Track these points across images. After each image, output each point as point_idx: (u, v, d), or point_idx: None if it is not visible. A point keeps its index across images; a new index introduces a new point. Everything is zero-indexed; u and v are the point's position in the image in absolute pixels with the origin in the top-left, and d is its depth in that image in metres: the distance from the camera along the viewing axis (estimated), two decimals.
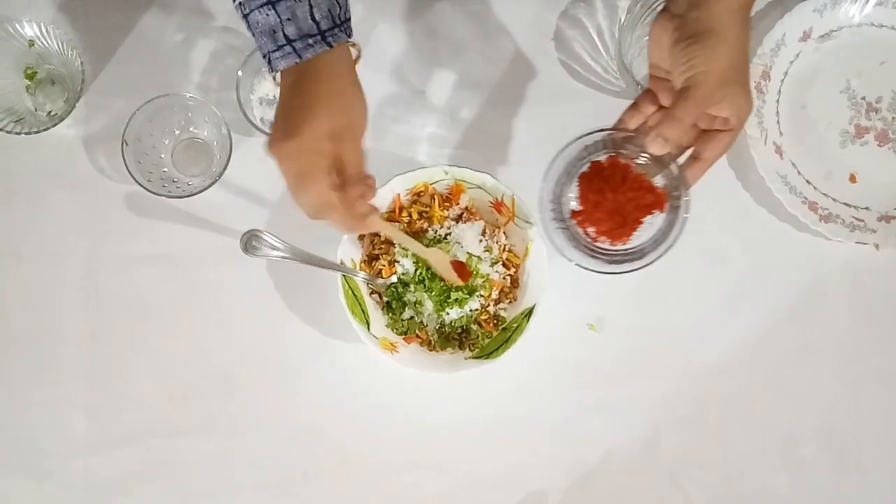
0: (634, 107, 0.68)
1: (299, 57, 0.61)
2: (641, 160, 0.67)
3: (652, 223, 0.68)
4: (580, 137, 0.67)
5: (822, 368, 0.85)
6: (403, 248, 0.77)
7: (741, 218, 0.86)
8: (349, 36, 0.64)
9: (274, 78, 0.67)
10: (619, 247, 0.68)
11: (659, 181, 0.67)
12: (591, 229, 0.67)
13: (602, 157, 0.67)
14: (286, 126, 0.61)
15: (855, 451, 0.84)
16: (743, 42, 0.62)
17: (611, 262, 0.68)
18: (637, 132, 0.67)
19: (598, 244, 0.68)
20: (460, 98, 0.86)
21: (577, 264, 0.68)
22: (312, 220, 0.65)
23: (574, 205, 0.68)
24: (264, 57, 0.63)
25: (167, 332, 0.82)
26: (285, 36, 0.61)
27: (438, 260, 0.76)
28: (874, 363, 0.85)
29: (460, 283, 0.75)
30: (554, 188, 0.67)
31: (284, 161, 0.62)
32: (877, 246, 0.83)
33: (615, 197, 0.66)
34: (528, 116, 0.86)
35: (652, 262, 0.68)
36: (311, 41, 0.61)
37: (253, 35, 0.63)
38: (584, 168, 0.67)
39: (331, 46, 0.61)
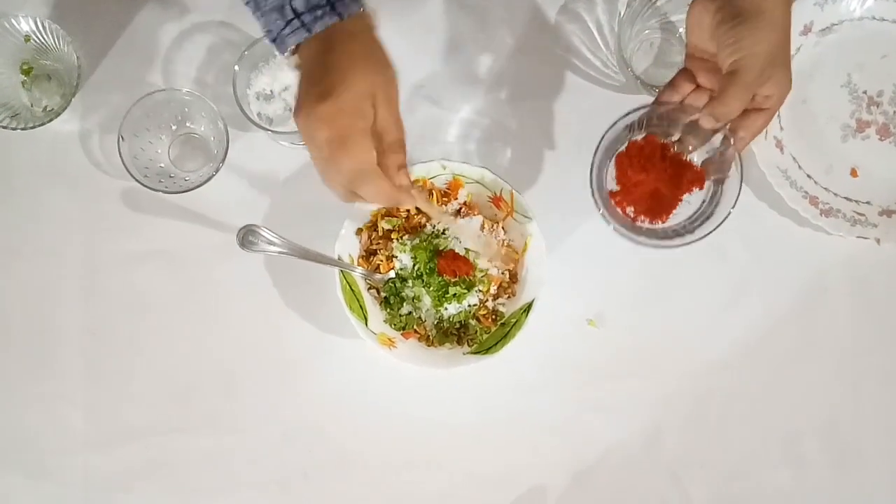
0: (672, 86, 0.67)
1: (308, 31, 0.59)
2: (680, 136, 0.67)
3: (690, 202, 0.68)
4: (625, 115, 0.66)
5: (823, 365, 0.84)
6: (402, 243, 0.77)
7: (742, 213, 0.84)
8: (362, 6, 0.61)
9: (290, 64, 0.64)
10: (660, 225, 0.68)
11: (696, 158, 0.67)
12: (629, 209, 0.67)
13: (639, 137, 0.67)
14: (319, 89, 0.58)
15: (856, 448, 0.83)
16: (787, 21, 0.62)
17: (658, 239, 0.69)
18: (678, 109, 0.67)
19: (637, 223, 0.68)
20: (459, 93, 0.85)
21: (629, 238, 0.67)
22: (343, 202, 0.61)
23: (612, 186, 0.68)
24: (274, 41, 0.61)
25: (165, 329, 0.82)
26: (293, 9, 0.59)
27: (470, 234, 0.75)
28: (875, 360, 0.84)
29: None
30: (593, 171, 0.67)
31: (319, 126, 0.58)
32: (878, 240, 0.83)
33: (654, 176, 0.66)
34: (527, 111, 0.85)
35: (704, 237, 0.68)
36: (319, 13, 0.59)
37: (261, 17, 0.61)
38: (621, 148, 0.67)
39: (341, 17, 0.59)
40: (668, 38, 0.85)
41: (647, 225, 0.68)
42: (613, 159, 0.66)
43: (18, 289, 0.82)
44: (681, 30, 0.84)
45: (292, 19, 0.59)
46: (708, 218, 0.68)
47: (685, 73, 0.67)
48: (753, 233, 0.85)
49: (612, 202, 0.67)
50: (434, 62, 0.86)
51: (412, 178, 0.69)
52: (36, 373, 0.81)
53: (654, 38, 0.85)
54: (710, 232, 0.67)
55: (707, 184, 0.67)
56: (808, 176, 0.84)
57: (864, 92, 0.85)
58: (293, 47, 0.61)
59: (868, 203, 0.84)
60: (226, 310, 0.82)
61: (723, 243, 0.85)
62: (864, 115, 0.85)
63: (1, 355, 0.81)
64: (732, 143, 0.66)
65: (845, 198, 0.84)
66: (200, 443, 0.80)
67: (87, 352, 0.81)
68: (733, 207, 0.67)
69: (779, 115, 0.85)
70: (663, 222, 0.68)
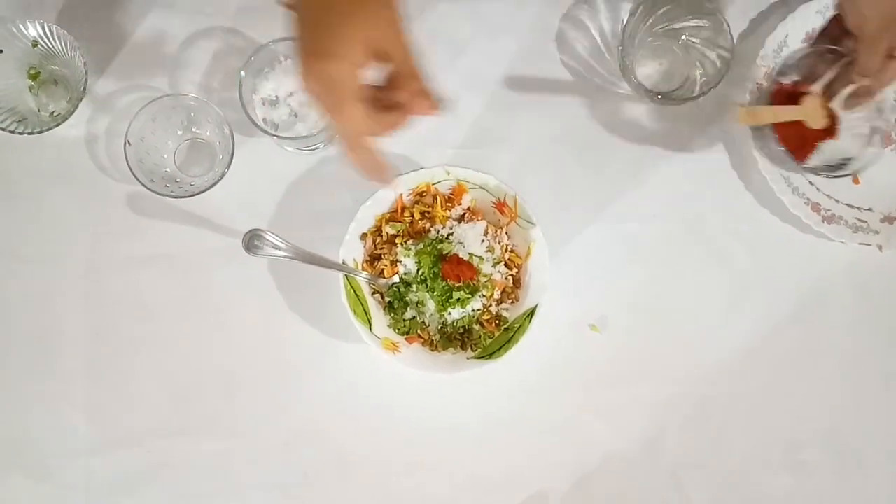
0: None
1: None
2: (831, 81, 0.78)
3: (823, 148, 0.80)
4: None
5: (825, 371, 0.84)
6: (406, 248, 0.77)
7: (744, 219, 0.86)
8: None
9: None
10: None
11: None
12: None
13: (788, 81, 0.79)
14: (315, 45, 0.55)
15: (857, 453, 0.84)
16: None
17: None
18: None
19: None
20: (462, 99, 0.85)
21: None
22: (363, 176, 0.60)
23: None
24: None
25: (168, 333, 0.82)
26: None
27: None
28: (877, 365, 0.85)
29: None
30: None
31: (315, 88, 0.56)
32: (880, 247, 0.83)
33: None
34: (531, 117, 0.86)
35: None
36: None
37: None
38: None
39: None
40: (671, 45, 0.86)
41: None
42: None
43: (23, 291, 0.82)
44: (683, 37, 0.85)
45: None
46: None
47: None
48: (755, 239, 0.85)
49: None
50: (437, 68, 0.85)
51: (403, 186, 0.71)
52: (38, 375, 0.81)
53: (656, 44, 0.86)
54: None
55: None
56: (810, 182, 0.85)
57: None
58: None
59: (870, 210, 0.85)
60: (229, 313, 0.82)
61: (725, 249, 0.85)
62: None
63: (3, 357, 0.81)
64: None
65: (847, 204, 0.85)
66: (202, 446, 0.81)
67: (90, 354, 0.81)
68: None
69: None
70: (802, 163, 0.79)
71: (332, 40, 0.56)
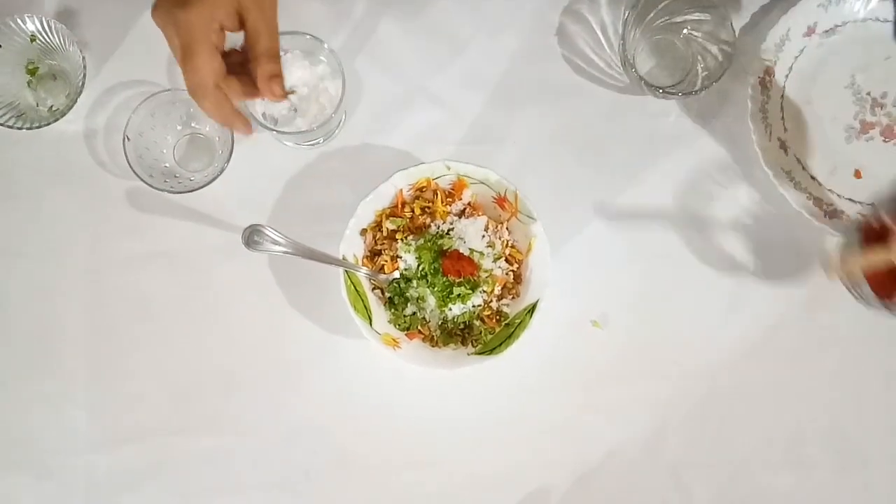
0: None
1: None
2: None
3: None
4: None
5: (826, 369, 0.84)
6: (406, 244, 0.77)
7: (745, 215, 0.85)
8: None
9: None
10: None
11: None
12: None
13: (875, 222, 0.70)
14: None
15: (859, 450, 0.83)
16: None
17: None
18: None
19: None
20: (463, 94, 0.85)
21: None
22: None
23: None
24: None
25: (169, 329, 0.82)
26: None
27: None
28: (879, 362, 0.84)
29: None
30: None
31: (170, 32, 0.57)
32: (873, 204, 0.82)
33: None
34: (532, 112, 0.85)
35: None
36: None
37: None
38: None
39: None
40: (673, 39, 0.85)
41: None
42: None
43: (22, 288, 0.82)
44: (685, 31, 0.85)
45: None
46: None
47: None
48: (757, 235, 0.85)
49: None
50: (438, 63, 0.86)
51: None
52: (39, 373, 0.81)
53: (658, 38, 0.85)
54: None
55: None
56: (813, 177, 0.84)
57: (868, 93, 0.85)
58: None
59: (872, 204, 0.84)
60: (229, 310, 0.82)
61: (726, 245, 0.85)
62: (867, 116, 0.85)
63: (4, 355, 0.81)
64: None
65: (849, 199, 0.84)
66: (203, 443, 0.80)
67: (91, 352, 0.81)
68: None
69: (783, 117, 0.85)
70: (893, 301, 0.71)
71: None
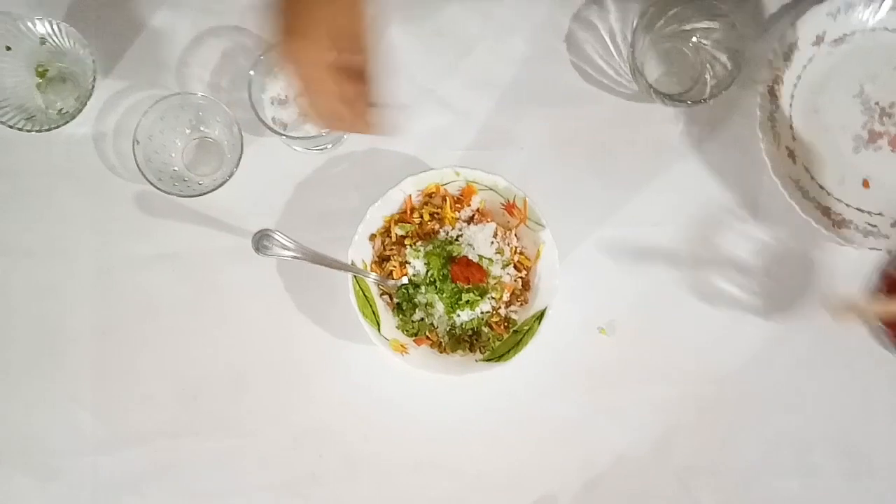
0: None
1: None
2: None
3: None
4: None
5: (834, 374, 0.84)
6: (415, 250, 0.77)
7: (753, 223, 0.85)
8: None
9: None
10: None
11: None
12: None
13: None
14: (286, 22, 0.61)
15: (867, 457, 0.83)
16: None
17: None
18: None
19: None
20: (472, 99, 0.85)
21: None
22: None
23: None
24: None
25: (176, 332, 0.82)
26: None
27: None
28: (886, 369, 0.84)
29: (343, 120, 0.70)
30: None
31: (288, 60, 0.62)
32: (890, 252, 0.83)
33: None
34: (540, 118, 0.85)
35: None
36: None
37: None
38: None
39: None
40: (681, 46, 0.85)
41: None
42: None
43: (30, 289, 0.82)
44: (694, 39, 0.85)
45: None
46: None
47: None
48: (765, 243, 0.85)
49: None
50: (446, 68, 0.86)
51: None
52: (45, 373, 0.81)
53: (667, 46, 0.85)
54: None
55: None
56: (821, 186, 0.84)
57: (877, 103, 0.86)
58: None
59: (880, 214, 0.84)
60: (237, 313, 0.82)
61: (734, 253, 0.85)
62: (876, 126, 0.86)
63: (10, 355, 0.81)
64: None
65: (857, 209, 0.84)
66: (209, 445, 0.81)
67: (97, 353, 0.81)
68: None
69: (791, 126, 0.85)
70: None
71: (297, 23, 0.61)
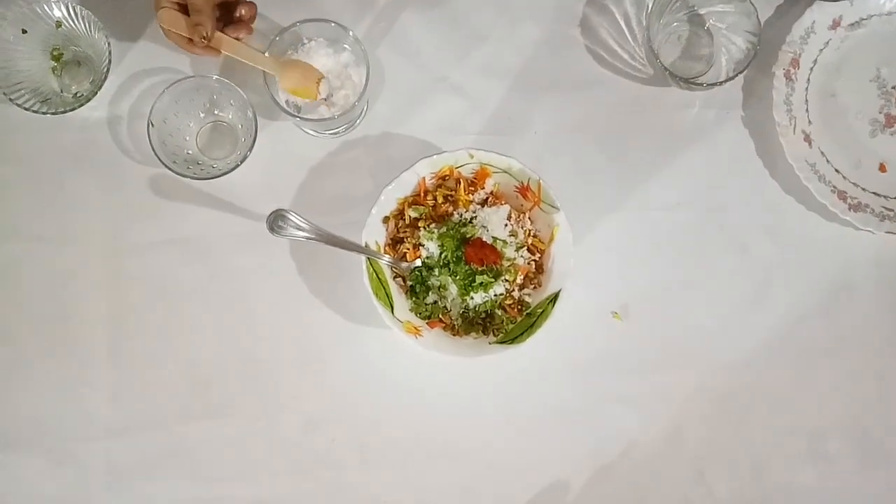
0: None
1: None
2: None
3: None
4: None
5: (849, 362, 0.84)
6: (429, 232, 0.76)
7: (768, 207, 0.85)
8: None
9: None
10: None
11: None
12: None
13: None
14: None
15: (881, 445, 0.83)
16: None
17: None
18: None
19: None
20: (485, 84, 0.85)
21: None
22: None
23: None
24: None
25: (189, 316, 0.82)
26: None
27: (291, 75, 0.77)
28: None
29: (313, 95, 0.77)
30: None
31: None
32: None
33: None
34: (554, 102, 0.85)
35: None
36: None
37: None
38: None
39: None
40: (697, 30, 0.85)
41: None
42: None
43: (44, 272, 0.82)
44: (709, 22, 0.84)
45: None
46: None
47: None
48: (780, 227, 0.84)
49: None
50: (460, 53, 0.86)
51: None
52: (59, 358, 0.81)
53: (682, 30, 0.85)
54: None
55: None
56: (837, 170, 0.84)
57: (894, 87, 0.85)
58: None
59: None
60: (250, 297, 0.82)
61: (748, 238, 0.84)
62: (892, 109, 0.85)
63: (25, 340, 0.81)
64: None
65: (874, 193, 0.84)
66: (222, 430, 0.80)
67: (111, 338, 0.81)
68: None
69: (807, 109, 0.85)
70: None
71: None
